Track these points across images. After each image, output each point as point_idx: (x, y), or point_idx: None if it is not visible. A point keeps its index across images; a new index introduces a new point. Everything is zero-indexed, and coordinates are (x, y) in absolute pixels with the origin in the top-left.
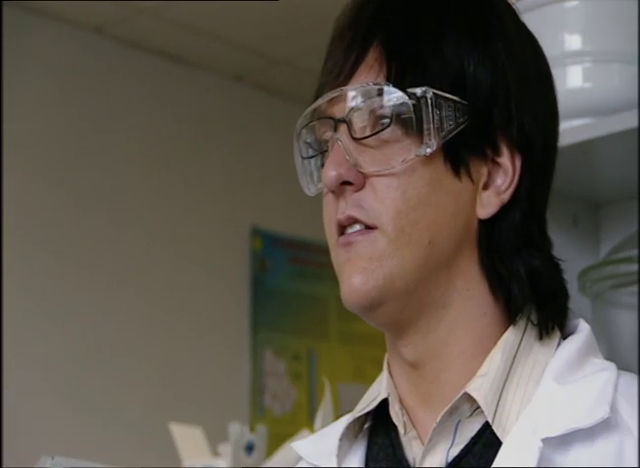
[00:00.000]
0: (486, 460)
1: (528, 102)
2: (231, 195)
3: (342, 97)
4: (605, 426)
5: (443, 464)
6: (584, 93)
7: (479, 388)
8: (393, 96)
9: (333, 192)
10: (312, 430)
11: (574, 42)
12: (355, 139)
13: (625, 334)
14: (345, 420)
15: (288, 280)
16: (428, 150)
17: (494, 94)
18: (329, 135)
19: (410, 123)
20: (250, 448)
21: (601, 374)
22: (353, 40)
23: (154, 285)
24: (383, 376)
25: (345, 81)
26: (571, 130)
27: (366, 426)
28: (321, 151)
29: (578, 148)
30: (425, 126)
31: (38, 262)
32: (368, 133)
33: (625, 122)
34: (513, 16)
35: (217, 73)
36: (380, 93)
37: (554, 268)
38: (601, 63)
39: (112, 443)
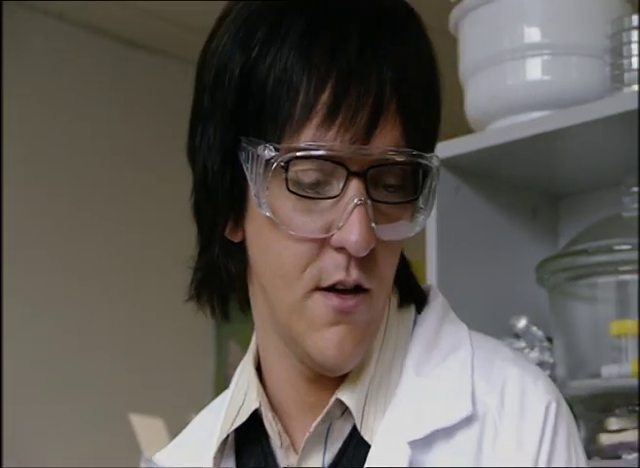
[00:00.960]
0: (359, 461)
1: None
2: None
3: (369, 153)
4: (466, 420)
5: None
6: (544, 85)
7: (349, 391)
8: (423, 165)
9: (340, 252)
10: None
11: (533, 35)
12: (374, 201)
13: (581, 325)
14: (217, 434)
15: None
16: (425, 219)
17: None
18: (340, 187)
19: (424, 192)
20: None
21: (457, 356)
22: (371, 91)
23: (118, 275)
24: (250, 384)
25: (367, 138)
26: (530, 122)
27: (231, 437)
28: (320, 197)
29: (537, 140)
30: (432, 195)
31: None
32: (392, 198)
33: (585, 114)
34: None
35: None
36: (411, 160)
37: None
38: (560, 56)
39: (73, 432)
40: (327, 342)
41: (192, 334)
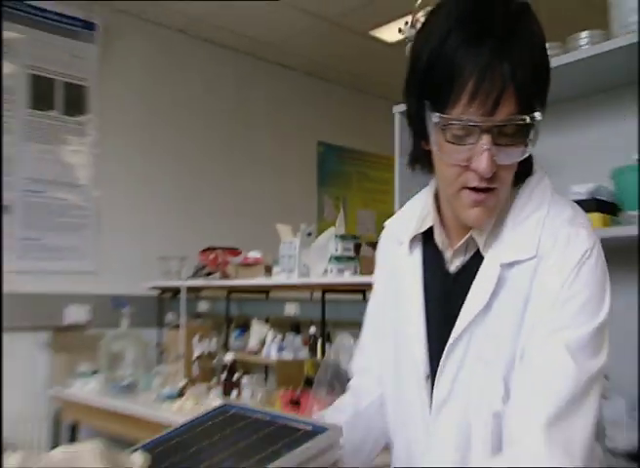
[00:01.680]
0: (476, 266)
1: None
2: (308, 123)
3: (493, 121)
4: (531, 258)
5: (460, 265)
6: None
7: (477, 232)
8: (527, 124)
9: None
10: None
11: None
12: (497, 145)
13: None
14: (411, 230)
15: (333, 165)
16: (528, 152)
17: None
18: (477, 138)
19: (528, 136)
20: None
21: (535, 216)
22: (497, 81)
23: (257, 167)
24: (429, 211)
25: (493, 111)
26: None
27: (418, 236)
28: (462, 144)
29: None
30: (534, 138)
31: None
32: (507, 141)
33: None
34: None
35: None
36: (519, 123)
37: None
38: None
39: None
40: (469, 217)
41: (302, 193)
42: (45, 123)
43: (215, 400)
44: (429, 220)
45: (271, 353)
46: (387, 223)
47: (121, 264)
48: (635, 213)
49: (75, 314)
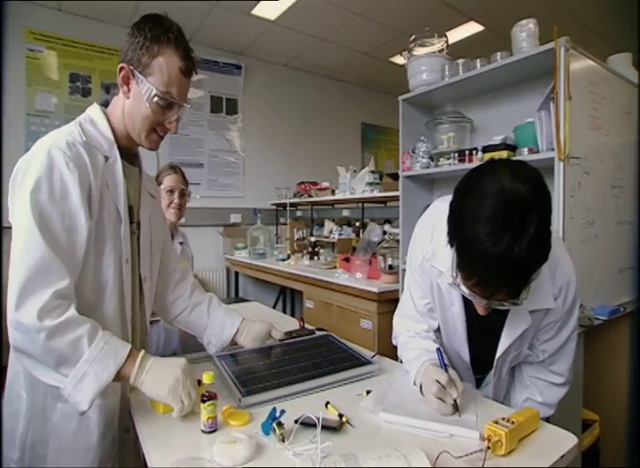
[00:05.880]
0: (503, 314)
1: None
2: (356, 112)
3: (488, 301)
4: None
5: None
6: None
7: None
8: (512, 302)
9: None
10: None
11: None
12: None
13: None
14: (446, 269)
15: (369, 135)
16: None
17: None
18: (483, 302)
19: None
20: None
21: (546, 271)
22: (499, 289)
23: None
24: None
25: (490, 297)
26: None
27: None
28: (472, 298)
29: None
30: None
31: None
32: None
33: None
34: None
35: None
36: (507, 305)
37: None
38: None
39: None
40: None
41: (348, 157)
42: (218, 119)
43: (305, 261)
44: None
45: (335, 236)
46: (425, 232)
47: (256, 192)
48: (525, 148)
49: (235, 217)
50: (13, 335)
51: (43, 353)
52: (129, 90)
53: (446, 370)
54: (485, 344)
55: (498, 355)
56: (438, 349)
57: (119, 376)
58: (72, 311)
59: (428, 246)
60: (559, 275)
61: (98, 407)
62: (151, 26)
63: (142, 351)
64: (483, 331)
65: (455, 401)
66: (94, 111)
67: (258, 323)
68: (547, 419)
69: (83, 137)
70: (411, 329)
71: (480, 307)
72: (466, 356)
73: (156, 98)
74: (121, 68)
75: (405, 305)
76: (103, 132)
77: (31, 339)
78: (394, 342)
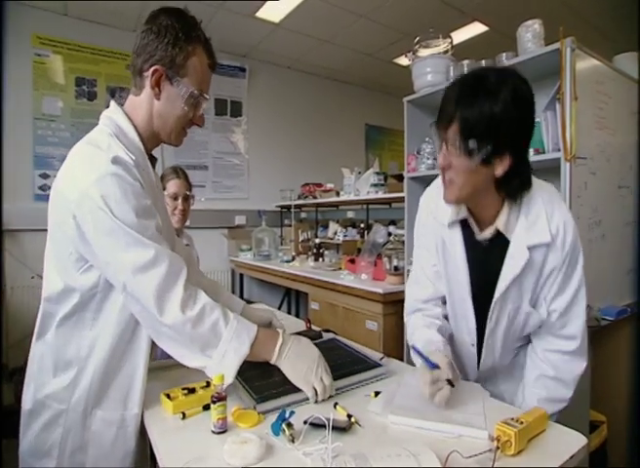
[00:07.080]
0: (498, 241)
1: (513, 135)
2: (360, 113)
3: (449, 134)
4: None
5: (489, 236)
6: None
7: (501, 221)
8: (466, 150)
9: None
10: None
11: None
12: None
13: None
14: (448, 217)
15: (373, 136)
16: (473, 164)
17: (497, 133)
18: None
19: (470, 152)
20: None
21: (542, 208)
22: (448, 113)
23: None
24: (462, 207)
25: (447, 126)
26: None
27: (456, 223)
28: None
29: None
30: (476, 153)
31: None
32: (456, 151)
33: None
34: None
35: None
36: (462, 144)
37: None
38: None
39: None
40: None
41: (352, 160)
42: (222, 122)
43: (310, 262)
44: (463, 211)
45: (340, 238)
46: (428, 196)
47: (261, 193)
48: (531, 149)
49: (239, 219)
50: (161, 335)
51: (191, 341)
52: (160, 91)
53: (433, 367)
54: (487, 296)
55: (497, 295)
56: (418, 351)
57: (252, 353)
58: (202, 295)
59: (432, 205)
60: (556, 215)
61: (135, 416)
62: (180, 25)
63: (281, 333)
64: (484, 284)
65: (448, 381)
66: (118, 117)
67: (260, 310)
68: (560, 411)
69: (132, 156)
70: (419, 297)
71: (440, 156)
72: (472, 320)
73: (192, 99)
74: (154, 71)
75: (415, 274)
76: (135, 143)
77: (178, 332)
78: (406, 322)
